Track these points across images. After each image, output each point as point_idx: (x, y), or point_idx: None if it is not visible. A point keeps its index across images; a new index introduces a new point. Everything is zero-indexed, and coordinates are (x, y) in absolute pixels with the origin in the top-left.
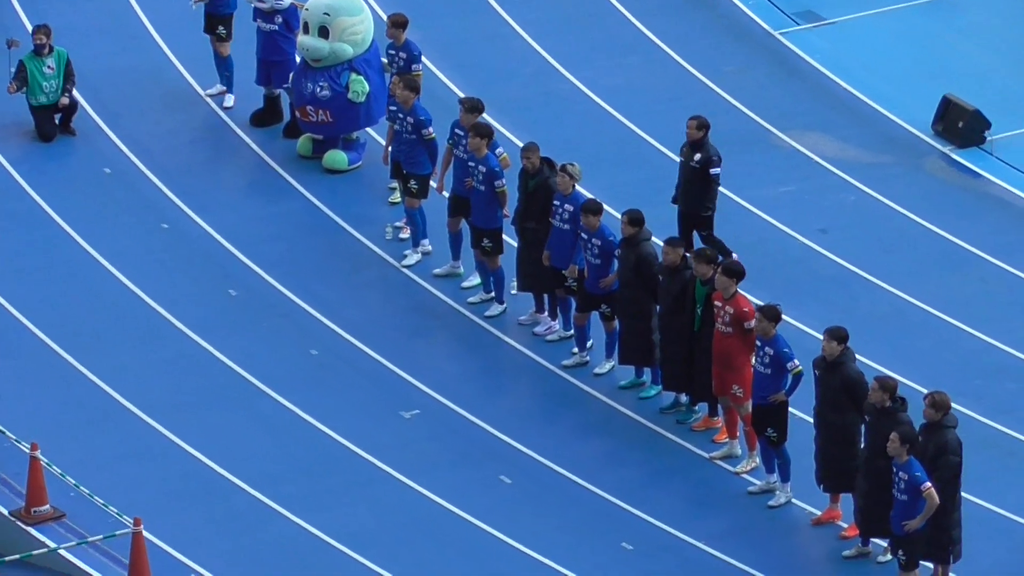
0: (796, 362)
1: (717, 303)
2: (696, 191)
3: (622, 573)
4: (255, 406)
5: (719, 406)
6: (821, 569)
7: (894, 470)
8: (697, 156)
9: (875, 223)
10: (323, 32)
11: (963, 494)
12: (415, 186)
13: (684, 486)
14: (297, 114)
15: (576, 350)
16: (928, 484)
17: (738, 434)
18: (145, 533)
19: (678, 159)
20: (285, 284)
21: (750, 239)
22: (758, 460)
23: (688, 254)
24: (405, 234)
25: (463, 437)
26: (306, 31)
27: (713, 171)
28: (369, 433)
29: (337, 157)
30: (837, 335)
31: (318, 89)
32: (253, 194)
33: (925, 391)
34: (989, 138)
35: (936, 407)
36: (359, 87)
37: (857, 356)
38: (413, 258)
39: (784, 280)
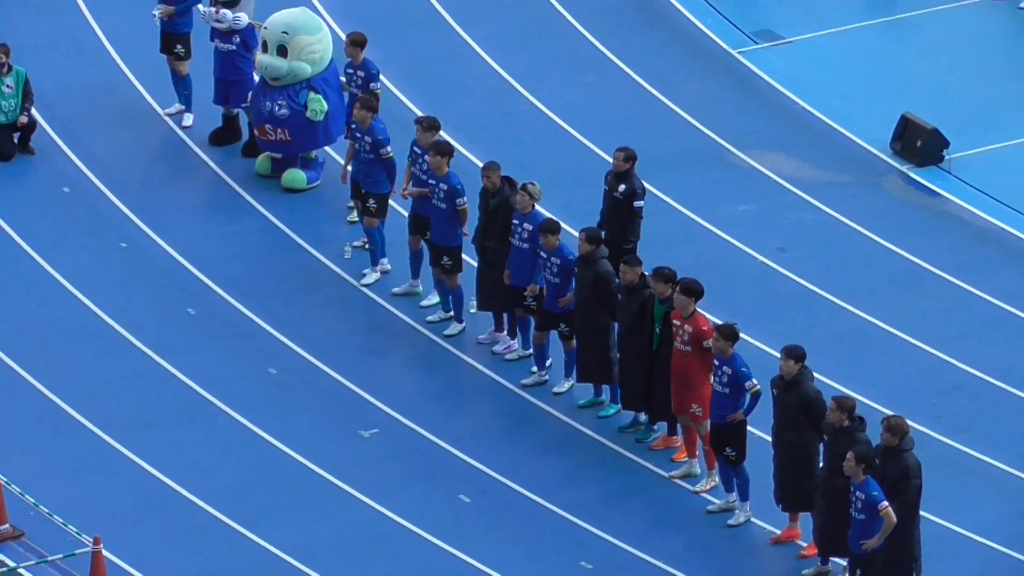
0: (754, 381)
1: (676, 322)
2: (620, 223)
3: None
4: (213, 424)
5: (678, 425)
6: None
7: (851, 489)
8: (622, 187)
9: (833, 241)
10: (281, 51)
11: (921, 513)
12: (374, 205)
13: (643, 505)
14: (256, 133)
15: (535, 369)
16: (885, 503)
17: (697, 453)
18: (104, 552)
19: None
20: (244, 303)
21: (709, 257)
22: (717, 479)
23: (646, 273)
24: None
25: (422, 456)
26: (264, 50)
27: (637, 204)
28: (328, 451)
29: (296, 176)
30: (794, 354)
31: (276, 108)
32: (211, 213)
33: (884, 410)
34: (947, 157)
35: (893, 431)
36: (317, 106)
37: (816, 375)
38: (372, 277)
39: (742, 298)
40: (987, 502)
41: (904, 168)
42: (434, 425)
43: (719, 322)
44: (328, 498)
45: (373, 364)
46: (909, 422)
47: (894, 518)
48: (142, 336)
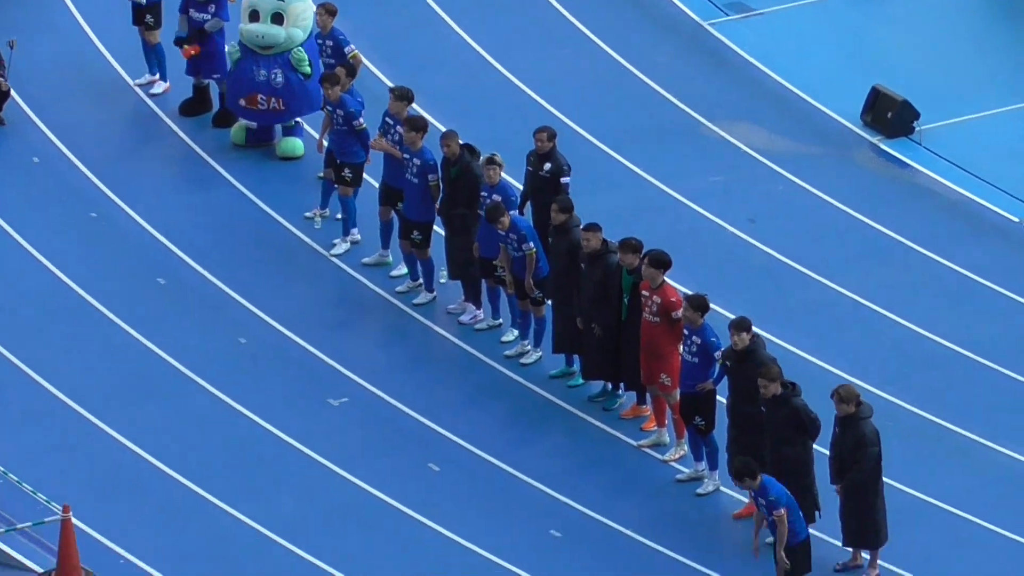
0: (723, 351)
1: (644, 293)
2: (548, 201)
3: (550, 560)
4: (183, 395)
5: (647, 395)
6: (749, 556)
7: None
8: (547, 166)
9: (804, 213)
10: (277, 19)
11: (890, 481)
12: (349, 175)
13: (613, 474)
14: (242, 103)
15: (509, 338)
16: (783, 511)
17: (666, 422)
18: (75, 521)
19: (526, 168)
20: (214, 273)
21: (679, 229)
22: (686, 448)
23: (608, 240)
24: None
25: (391, 425)
26: (254, 19)
27: (564, 180)
28: (298, 421)
29: (294, 144)
30: (743, 326)
31: (272, 77)
32: (182, 183)
33: (855, 381)
34: (918, 128)
35: (846, 400)
36: (300, 55)
37: (786, 346)
38: (342, 247)
39: (713, 270)
40: (955, 471)
41: (875, 140)
42: (404, 394)
43: (689, 292)
44: (298, 468)
45: (342, 334)
46: (879, 392)
47: (787, 524)
48: (112, 306)
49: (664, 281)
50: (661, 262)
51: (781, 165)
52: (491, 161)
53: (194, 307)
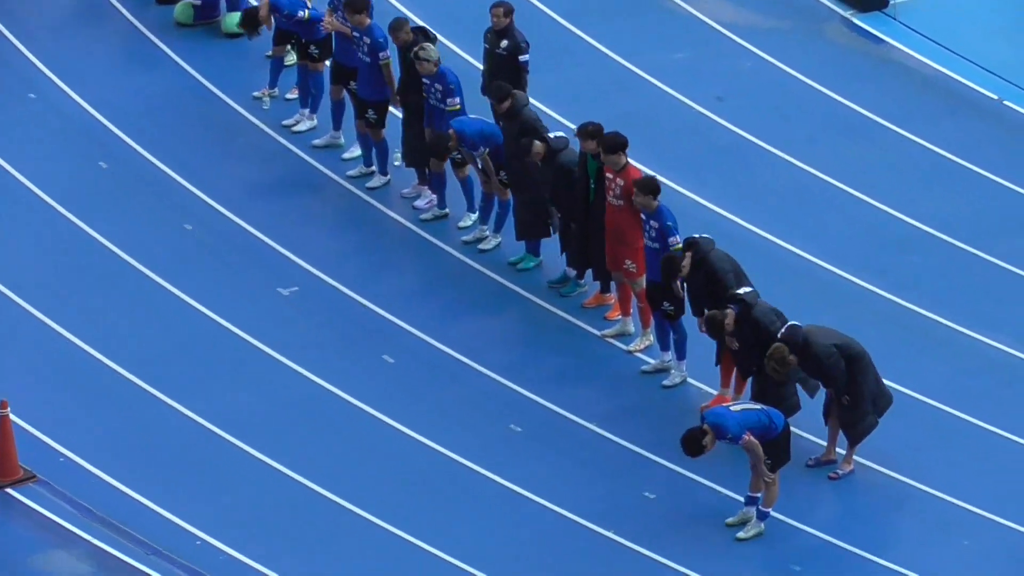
0: (678, 238)
1: (608, 175)
2: (507, 80)
3: (510, 456)
4: (127, 284)
5: (612, 282)
6: (716, 451)
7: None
8: (504, 43)
9: (773, 90)
10: None
11: None
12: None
13: (574, 366)
14: None
15: (468, 223)
16: (746, 436)
17: (631, 311)
18: (12, 417)
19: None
20: (158, 156)
21: (642, 107)
22: (652, 338)
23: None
24: (292, 95)
25: (343, 315)
26: None
27: (522, 58)
28: (246, 311)
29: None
30: (687, 248)
31: None
32: (125, 63)
33: (826, 266)
34: (892, 1)
35: (782, 364)
36: None
37: (754, 229)
38: (305, 124)
39: (678, 150)
40: (932, 360)
41: (847, 14)
42: (356, 282)
43: (652, 174)
44: (246, 360)
45: (292, 219)
46: (853, 278)
47: (759, 449)
48: (52, 192)
49: (627, 163)
50: (616, 144)
51: (749, 40)
52: (416, 56)
53: (138, 192)
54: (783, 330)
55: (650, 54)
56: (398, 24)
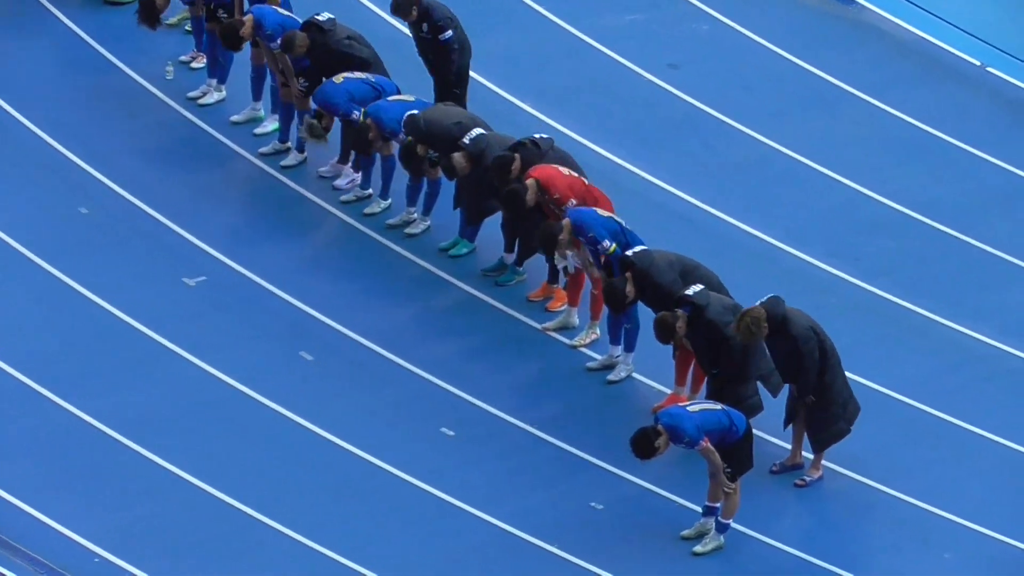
0: (607, 243)
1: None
2: (439, 64)
3: (443, 462)
4: (13, 271)
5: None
6: (669, 456)
7: None
8: (424, 26)
9: (733, 57)
10: None
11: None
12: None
13: (513, 363)
14: None
15: (380, 205)
16: (702, 443)
17: (579, 301)
18: None
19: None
20: (49, 131)
21: (589, 76)
22: (598, 331)
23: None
24: (198, 64)
25: (256, 307)
26: None
27: (443, 37)
28: (149, 304)
29: None
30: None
31: None
32: (7, 28)
33: (790, 251)
34: None
35: (756, 325)
36: None
37: (712, 211)
38: (213, 96)
39: (628, 123)
40: (907, 353)
41: None
42: (270, 272)
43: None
44: (148, 357)
45: (199, 201)
46: (820, 264)
47: (717, 457)
48: None
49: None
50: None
51: (706, 1)
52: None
53: (28, 170)
54: (765, 299)
55: (597, 17)
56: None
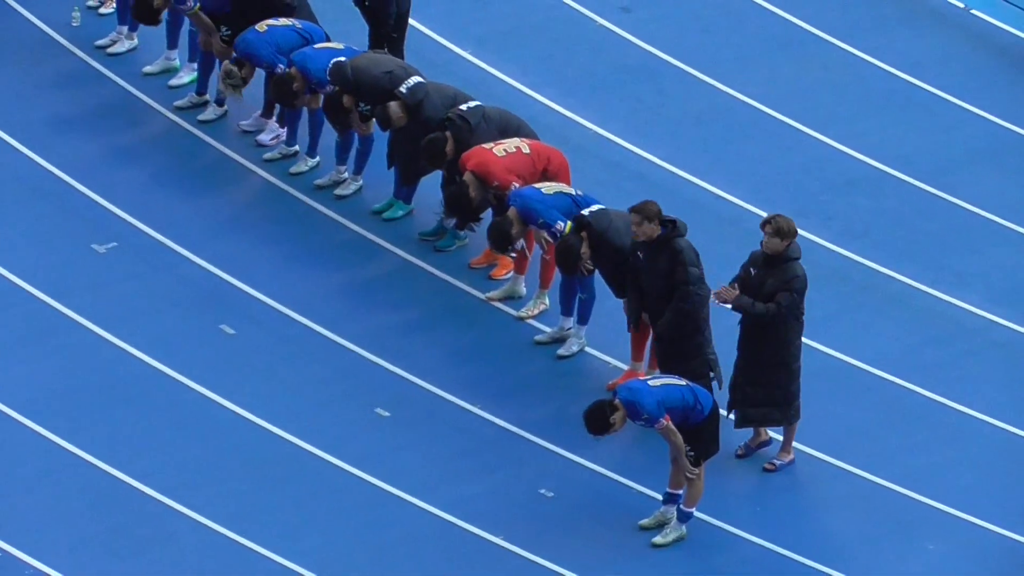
0: (561, 224)
1: None
2: (385, 32)
3: (377, 445)
4: None
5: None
6: (625, 434)
7: None
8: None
9: None
10: None
11: (808, 340)
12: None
13: (454, 336)
14: None
15: (307, 161)
16: (663, 421)
17: (527, 269)
18: None
19: None
20: None
21: (534, 20)
22: (547, 301)
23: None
24: (108, 8)
25: (173, 275)
26: None
27: None
28: (53, 271)
29: None
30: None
31: None
32: None
33: (756, 211)
34: None
35: (782, 234)
36: None
37: (667, 167)
38: (124, 45)
39: (577, 71)
40: (886, 324)
41: None
42: (188, 237)
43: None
44: (52, 329)
45: (110, 160)
46: None
47: (677, 437)
48: None
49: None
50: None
51: None
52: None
53: None
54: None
55: None
56: None
